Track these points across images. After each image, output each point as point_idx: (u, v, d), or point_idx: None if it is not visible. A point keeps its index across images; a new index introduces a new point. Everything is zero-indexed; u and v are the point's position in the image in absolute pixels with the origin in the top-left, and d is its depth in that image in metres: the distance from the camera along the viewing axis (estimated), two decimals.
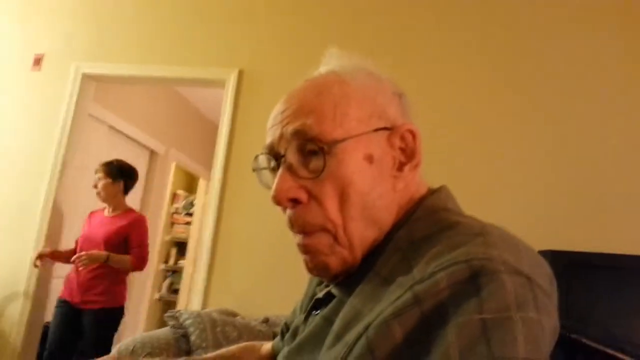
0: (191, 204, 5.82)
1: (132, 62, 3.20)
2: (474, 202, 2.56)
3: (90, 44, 3.32)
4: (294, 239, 0.63)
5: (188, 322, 2.18)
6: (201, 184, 5.76)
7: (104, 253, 2.73)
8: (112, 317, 2.82)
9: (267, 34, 3.03)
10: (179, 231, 5.75)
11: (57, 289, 3.48)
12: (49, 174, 3.09)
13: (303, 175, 0.60)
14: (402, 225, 0.60)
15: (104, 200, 2.91)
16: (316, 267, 0.61)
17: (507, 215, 2.46)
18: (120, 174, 2.92)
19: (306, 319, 0.69)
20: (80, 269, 2.74)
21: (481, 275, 0.45)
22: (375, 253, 0.59)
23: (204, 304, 2.69)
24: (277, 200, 0.60)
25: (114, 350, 2.01)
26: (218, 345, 2.01)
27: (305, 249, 0.62)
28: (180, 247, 5.74)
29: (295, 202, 0.60)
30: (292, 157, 0.61)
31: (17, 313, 2.94)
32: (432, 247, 0.52)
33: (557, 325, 0.50)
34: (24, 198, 3.09)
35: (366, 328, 0.49)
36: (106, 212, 2.96)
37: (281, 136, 0.62)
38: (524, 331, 0.43)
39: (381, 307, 0.50)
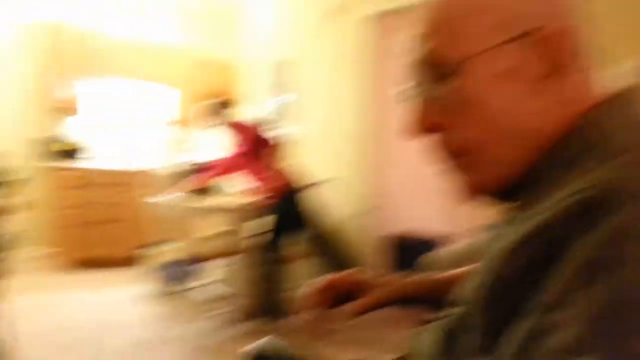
0: None
1: None
2: None
3: None
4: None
5: None
6: None
7: None
8: (281, 199, 3.01)
9: None
10: None
11: (394, 206, 4.00)
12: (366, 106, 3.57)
13: (435, 103, 0.57)
14: (556, 146, 0.52)
15: None
16: (459, 190, 0.60)
17: None
18: None
19: None
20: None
21: (602, 207, 0.40)
22: (526, 179, 0.54)
23: None
24: (415, 131, 0.60)
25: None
26: None
27: (450, 173, 0.61)
28: None
29: (431, 130, 0.59)
30: (424, 84, 0.59)
31: (367, 226, 3.60)
32: (573, 170, 0.47)
33: None
34: (355, 129, 3.62)
35: (494, 256, 0.49)
36: None
37: (414, 63, 0.60)
38: None
39: (511, 236, 0.48)
